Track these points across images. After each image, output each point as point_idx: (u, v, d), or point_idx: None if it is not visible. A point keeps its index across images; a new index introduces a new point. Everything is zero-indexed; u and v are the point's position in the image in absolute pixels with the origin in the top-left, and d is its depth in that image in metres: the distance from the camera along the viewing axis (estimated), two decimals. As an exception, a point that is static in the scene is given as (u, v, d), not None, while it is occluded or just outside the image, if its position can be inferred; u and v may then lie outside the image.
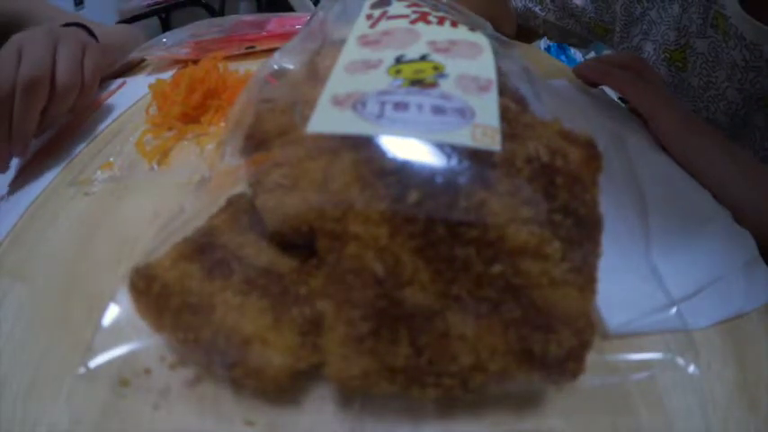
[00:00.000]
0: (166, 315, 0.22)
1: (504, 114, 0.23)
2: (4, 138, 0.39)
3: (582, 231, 0.22)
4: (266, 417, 0.22)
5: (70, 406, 0.23)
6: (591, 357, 0.21)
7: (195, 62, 0.47)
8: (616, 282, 0.23)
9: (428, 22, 0.29)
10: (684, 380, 0.25)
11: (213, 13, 1.77)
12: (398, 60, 0.26)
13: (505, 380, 0.21)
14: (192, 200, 0.28)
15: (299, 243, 0.23)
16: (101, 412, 0.23)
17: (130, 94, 0.49)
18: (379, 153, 0.21)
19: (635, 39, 0.56)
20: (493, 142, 0.21)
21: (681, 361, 0.25)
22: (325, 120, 0.23)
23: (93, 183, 0.37)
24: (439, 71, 0.25)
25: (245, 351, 0.21)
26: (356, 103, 0.23)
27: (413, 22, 0.29)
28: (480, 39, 0.28)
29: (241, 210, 0.26)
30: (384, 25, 0.30)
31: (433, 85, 0.24)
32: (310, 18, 0.36)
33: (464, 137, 0.21)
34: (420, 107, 0.22)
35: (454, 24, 0.30)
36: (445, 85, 0.24)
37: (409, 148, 0.21)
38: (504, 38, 0.32)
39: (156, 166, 0.39)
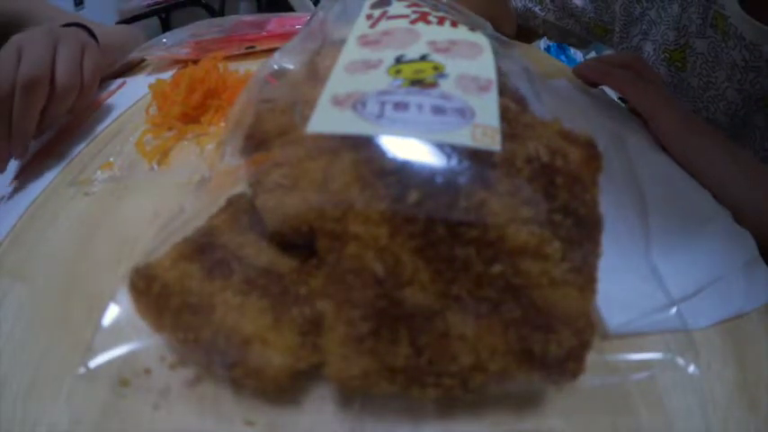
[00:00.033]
0: (166, 315, 0.22)
1: (504, 114, 0.23)
2: (3, 137, 0.39)
3: (582, 231, 0.22)
4: (266, 417, 0.22)
5: (70, 406, 0.23)
6: (591, 357, 0.21)
7: (195, 62, 0.47)
8: (616, 282, 0.23)
9: (428, 22, 0.29)
10: (684, 380, 0.25)
11: (213, 13, 1.77)
12: (398, 60, 0.26)
13: (505, 380, 0.21)
14: (192, 200, 0.28)
15: (299, 243, 0.23)
16: (101, 412, 0.23)
17: (130, 94, 0.49)
18: (379, 153, 0.21)
19: (634, 39, 0.56)
20: (493, 142, 0.21)
21: (681, 361, 0.25)
22: (325, 120, 0.23)
23: (93, 183, 0.37)
24: (439, 71, 0.25)
25: (245, 351, 0.21)
26: (356, 103, 0.23)
27: (413, 22, 0.29)
28: (480, 39, 0.28)
29: (241, 210, 0.26)
30: (384, 25, 0.30)
31: (433, 85, 0.24)
32: (310, 18, 0.36)
33: (464, 137, 0.21)
34: (420, 107, 0.22)
35: (454, 24, 0.30)
36: (445, 85, 0.24)
37: (409, 148, 0.21)
38: (504, 38, 0.32)
39: (156, 166, 0.39)
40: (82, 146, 0.42)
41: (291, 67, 0.32)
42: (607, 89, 0.48)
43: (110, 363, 0.23)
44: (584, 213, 0.22)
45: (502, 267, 0.20)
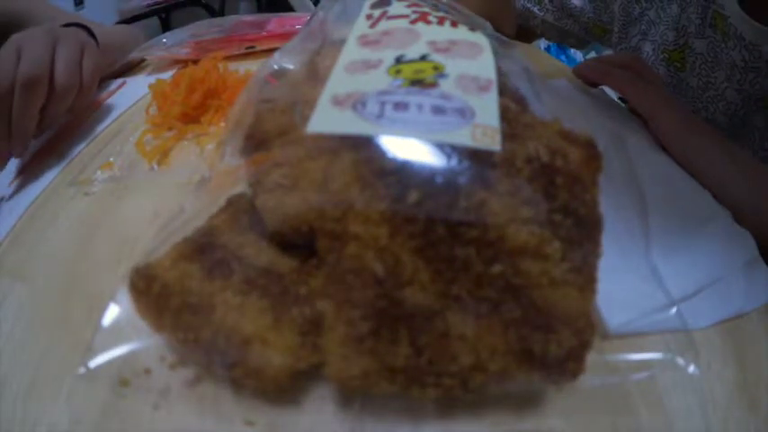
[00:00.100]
0: (166, 315, 0.22)
1: (504, 114, 0.23)
2: (3, 136, 0.39)
3: (582, 231, 0.22)
4: (266, 417, 0.22)
5: (70, 406, 0.23)
6: (591, 357, 0.21)
7: (195, 62, 0.47)
8: (616, 282, 0.23)
9: (428, 22, 0.29)
10: (684, 380, 0.25)
11: (213, 13, 1.77)
12: (398, 60, 0.26)
13: (505, 380, 0.21)
14: (192, 200, 0.28)
15: (299, 243, 0.23)
16: (101, 412, 0.23)
17: (130, 94, 0.49)
18: (379, 153, 0.21)
19: (633, 39, 0.56)
20: (493, 142, 0.21)
21: (681, 361, 0.25)
22: (325, 120, 0.23)
23: (93, 183, 0.37)
24: (439, 71, 0.25)
25: (245, 351, 0.21)
26: (356, 103, 0.23)
27: (413, 22, 0.29)
28: (480, 39, 0.28)
29: (241, 210, 0.26)
30: (384, 25, 0.30)
31: (433, 85, 0.24)
32: (310, 18, 0.36)
33: (464, 137, 0.21)
34: (420, 107, 0.22)
35: (454, 24, 0.30)
36: (445, 85, 0.24)
37: (409, 148, 0.21)
38: (504, 38, 0.32)
39: (156, 166, 0.39)
40: (82, 146, 0.42)
41: (291, 67, 0.32)
42: (607, 89, 0.48)
43: (110, 363, 0.23)
44: (584, 213, 0.22)
45: (502, 267, 0.20)
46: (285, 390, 0.22)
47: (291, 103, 0.27)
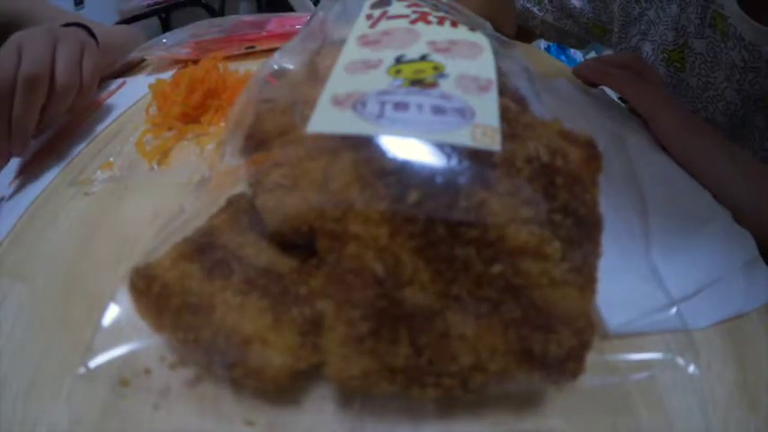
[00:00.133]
0: (166, 315, 0.22)
1: (504, 114, 0.23)
2: (3, 136, 0.39)
3: (582, 231, 0.22)
4: (266, 417, 0.22)
5: (70, 406, 0.23)
6: (591, 357, 0.21)
7: (195, 62, 0.47)
8: (616, 282, 0.23)
9: (428, 22, 0.29)
10: (684, 380, 0.25)
11: (213, 13, 1.77)
12: (398, 60, 0.26)
13: (505, 380, 0.21)
14: (192, 200, 0.28)
15: (299, 243, 0.23)
16: (101, 412, 0.23)
17: (130, 94, 0.49)
18: (379, 153, 0.21)
19: (633, 39, 0.56)
20: (493, 142, 0.21)
21: (681, 361, 0.25)
22: (325, 120, 0.23)
23: (93, 183, 0.37)
24: (439, 71, 0.25)
25: (245, 351, 0.21)
26: (356, 103, 0.23)
27: (413, 22, 0.29)
28: (480, 39, 0.28)
29: (241, 210, 0.26)
30: (384, 25, 0.30)
31: (433, 85, 0.24)
32: (310, 18, 0.36)
33: (464, 137, 0.21)
34: (420, 107, 0.22)
35: (454, 24, 0.30)
36: (445, 85, 0.24)
37: (409, 148, 0.21)
38: (505, 38, 0.32)
39: (156, 166, 0.39)
40: (82, 146, 0.42)
41: (291, 67, 0.32)
42: (607, 89, 0.48)
43: (110, 363, 0.23)
44: (584, 213, 0.22)
45: (502, 267, 0.20)
46: (285, 390, 0.22)
47: (291, 103, 0.27)
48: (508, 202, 0.20)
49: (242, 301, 0.22)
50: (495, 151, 0.21)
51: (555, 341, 0.20)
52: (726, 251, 0.31)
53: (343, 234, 0.20)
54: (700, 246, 0.31)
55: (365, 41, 0.28)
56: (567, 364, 0.21)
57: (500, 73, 0.26)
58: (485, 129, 0.22)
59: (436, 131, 0.21)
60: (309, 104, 0.23)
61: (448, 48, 0.27)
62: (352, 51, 0.27)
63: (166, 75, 0.48)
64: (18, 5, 0.55)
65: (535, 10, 0.62)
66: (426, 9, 0.31)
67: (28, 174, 0.41)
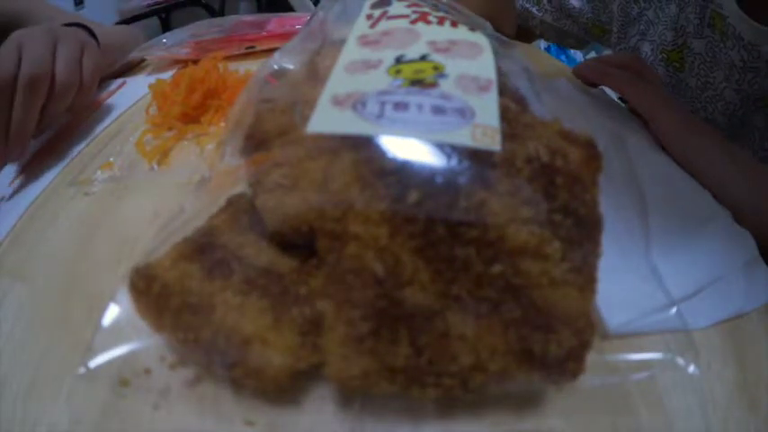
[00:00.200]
0: (166, 315, 0.22)
1: (504, 114, 0.23)
2: (2, 137, 0.39)
3: (582, 231, 0.22)
4: (266, 417, 0.22)
5: (70, 406, 0.23)
6: (591, 357, 0.21)
7: (195, 62, 0.47)
8: (616, 282, 0.23)
9: (428, 22, 0.29)
10: (684, 380, 0.25)
11: (213, 13, 1.77)
12: (398, 60, 0.26)
13: (505, 380, 0.21)
14: (192, 200, 0.28)
15: (299, 243, 0.23)
16: (101, 412, 0.23)
17: (130, 94, 0.49)
18: (379, 153, 0.21)
19: (632, 39, 0.56)
20: (493, 142, 0.21)
21: (681, 361, 0.25)
22: (326, 120, 0.23)
23: (93, 183, 0.37)
24: (439, 71, 0.25)
25: (245, 351, 0.21)
26: (356, 103, 0.23)
27: (413, 22, 0.29)
28: (480, 39, 0.28)
29: (241, 210, 0.26)
30: (384, 25, 0.30)
31: (433, 85, 0.24)
32: (310, 18, 0.36)
33: (464, 137, 0.21)
34: (420, 107, 0.22)
35: (454, 24, 0.30)
36: (445, 85, 0.24)
37: (409, 148, 0.21)
38: (504, 38, 0.32)
39: (156, 166, 0.39)
40: (82, 146, 0.42)
41: (291, 67, 0.32)
42: (607, 89, 0.48)
43: (110, 363, 0.23)
44: (584, 213, 0.22)
45: (502, 267, 0.20)
46: (285, 390, 0.22)
47: (291, 103, 0.27)
48: (508, 202, 0.20)
49: (242, 301, 0.22)
50: (495, 151, 0.21)
51: (555, 341, 0.20)
52: (726, 251, 0.31)
53: (343, 234, 0.20)
54: (700, 246, 0.31)
55: (365, 41, 0.28)
56: (567, 364, 0.21)
57: (500, 73, 0.26)
58: (485, 129, 0.22)
59: (436, 131, 0.21)
60: (309, 104, 0.23)
61: (448, 48, 0.27)
62: (352, 51, 0.27)
63: (166, 75, 0.48)
64: (18, 5, 0.55)
65: (534, 10, 0.62)
66: (426, 9, 0.31)
67: (28, 174, 0.41)
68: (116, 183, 0.37)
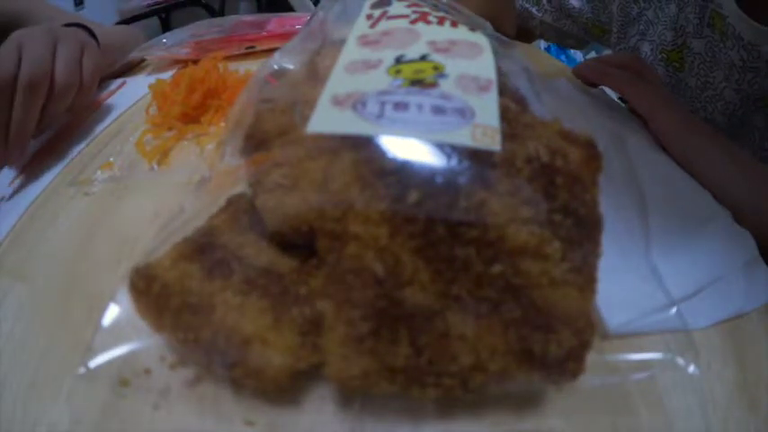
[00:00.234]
0: (166, 315, 0.22)
1: (504, 114, 0.23)
2: (1, 138, 0.39)
3: (582, 231, 0.22)
4: (266, 417, 0.22)
5: (70, 406, 0.23)
6: (591, 357, 0.21)
7: (195, 62, 0.47)
8: (616, 282, 0.23)
9: (428, 22, 0.29)
10: (684, 380, 0.25)
11: (213, 13, 1.77)
12: (398, 60, 0.26)
13: (505, 380, 0.21)
14: (192, 200, 0.28)
15: (299, 243, 0.23)
16: (101, 412, 0.23)
17: (130, 94, 0.49)
18: (379, 153, 0.21)
19: (632, 39, 0.56)
20: (493, 142, 0.21)
21: (681, 361, 0.25)
22: (326, 120, 0.23)
23: (93, 183, 0.37)
24: (439, 71, 0.25)
25: (245, 351, 0.21)
26: (356, 103, 0.23)
27: (413, 22, 0.29)
28: (480, 39, 0.28)
29: (241, 210, 0.26)
30: (384, 25, 0.30)
31: (433, 85, 0.24)
32: (310, 18, 0.36)
33: (464, 137, 0.21)
34: (420, 107, 0.22)
35: (454, 24, 0.30)
36: (445, 85, 0.24)
37: (409, 148, 0.21)
38: (504, 38, 0.32)
39: (156, 166, 0.39)
40: (82, 146, 0.42)
41: (291, 67, 0.32)
42: (607, 89, 0.48)
43: (110, 363, 0.23)
44: (584, 213, 0.22)
45: (502, 267, 0.20)
46: (285, 390, 0.22)
47: (291, 103, 0.27)
48: (508, 202, 0.20)
49: (242, 301, 0.22)
50: (495, 151, 0.21)
51: (555, 341, 0.20)
52: (726, 251, 0.31)
53: (343, 234, 0.20)
54: (700, 246, 0.31)
55: (365, 41, 0.28)
56: (567, 364, 0.21)
57: (500, 73, 0.26)
58: (485, 129, 0.22)
59: (436, 131, 0.21)
60: (309, 104, 0.23)
61: (448, 48, 0.27)
62: (352, 51, 0.27)
63: (166, 75, 0.48)
64: (18, 5, 0.55)
65: (534, 10, 0.62)
66: (426, 9, 0.31)
67: (28, 174, 0.41)
68: (116, 183, 0.37)
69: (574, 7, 0.59)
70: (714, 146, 0.37)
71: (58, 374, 0.24)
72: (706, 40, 0.49)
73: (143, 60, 0.60)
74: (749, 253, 0.31)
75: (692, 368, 0.25)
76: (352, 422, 0.22)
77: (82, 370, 0.23)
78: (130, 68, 0.58)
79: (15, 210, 0.36)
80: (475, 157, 0.21)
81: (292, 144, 0.24)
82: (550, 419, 0.23)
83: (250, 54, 0.56)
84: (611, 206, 0.23)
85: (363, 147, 0.21)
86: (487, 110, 0.23)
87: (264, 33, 0.57)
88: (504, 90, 0.26)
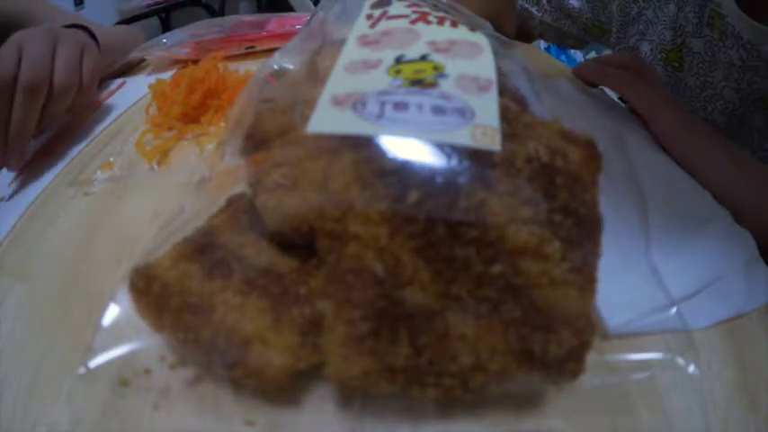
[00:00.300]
0: (166, 315, 0.22)
1: (504, 114, 0.23)
2: (1, 138, 0.39)
3: (582, 231, 0.22)
4: (266, 417, 0.22)
5: (70, 406, 0.23)
6: (591, 357, 0.21)
7: (195, 62, 0.47)
8: (616, 282, 0.23)
9: (428, 22, 0.29)
10: (684, 380, 0.25)
11: (213, 13, 1.77)
12: (398, 60, 0.26)
13: (505, 380, 0.21)
14: (192, 200, 0.28)
15: (299, 243, 0.23)
16: (101, 412, 0.23)
17: (130, 94, 0.49)
18: (379, 153, 0.21)
19: (631, 39, 0.56)
20: (493, 142, 0.21)
21: (681, 361, 0.25)
22: (326, 120, 0.23)
23: (93, 183, 0.37)
24: (439, 71, 0.25)
25: (245, 351, 0.21)
26: (356, 103, 0.23)
27: (413, 22, 0.29)
28: (480, 39, 0.28)
29: (241, 210, 0.26)
30: (384, 25, 0.30)
31: (433, 85, 0.24)
32: (310, 18, 0.36)
33: (464, 137, 0.21)
34: (420, 107, 0.22)
35: (454, 24, 0.30)
36: (445, 85, 0.24)
37: (409, 148, 0.21)
38: (505, 38, 0.32)
39: (156, 166, 0.39)
40: (82, 146, 0.42)
41: (291, 67, 0.32)
42: (607, 89, 0.48)
43: (110, 363, 0.23)
44: (584, 213, 0.22)
45: (502, 267, 0.20)
46: (285, 390, 0.22)
47: (291, 103, 0.27)
48: (508, 202, 0.20)
49: (242, 301, 0.22)
50: (495, 151, 0.21)
51: (555, 341, 0.20)
52: (726, 251, 0.31)
53: (343, 234, 0.20)
54: (700, 245, 0.31)
55: (365, 41, 0.28)
56: (567, 364, 0.21)
57: (500, 73, 0.26)
58: (485, 129, 0.22)
59: (436, 131, 0.21)
60: (309, 104, 0.23)
61: (448, 48, 0.27)
62: (352, 51, 0.27)
63: (166, 75, 0.48)
64: (18, 5, 0.55)
65: (533, 10, 0.62)
66: (426, 9, 0.31)
67: (28, 174, 0.41)
68: (116, 183, 0.37)
69: (573, 7, 0.59)
70: (714, 146, 0.37)
71: (58, 374, 0.24)
72: (705, 40, 0.49)
73: (143, 60, 0.60)
74: (749, 253, 0.31)
75: (692, 368, 0.25)
76: (352, 422, 0.22)
77: (82, 370, 0.23)
78: (130, 68, 0.58)
79: (15, 210, 0.36)
80: (475, 157, 0.21)
81: (292, 144, 0.24)
82: (550, 419, 0.23)
83: (250, 54, 0.56)
84: (611, 206, 0.23)
85: (363, 147, 0.21)
86: (487, 110, 0.23)
87: (264, 33, 0.57)
88: (504, 90, 0.26)
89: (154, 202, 0.34)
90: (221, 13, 1.79)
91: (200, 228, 0.25)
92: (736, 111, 0.49)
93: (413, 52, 0.26)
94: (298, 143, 0.23)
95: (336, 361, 0.21)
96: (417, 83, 0.24)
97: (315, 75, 0.28)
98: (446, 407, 0.23)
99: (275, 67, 0.32)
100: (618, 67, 0.45)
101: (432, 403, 0.23)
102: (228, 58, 0.52)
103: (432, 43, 0.27)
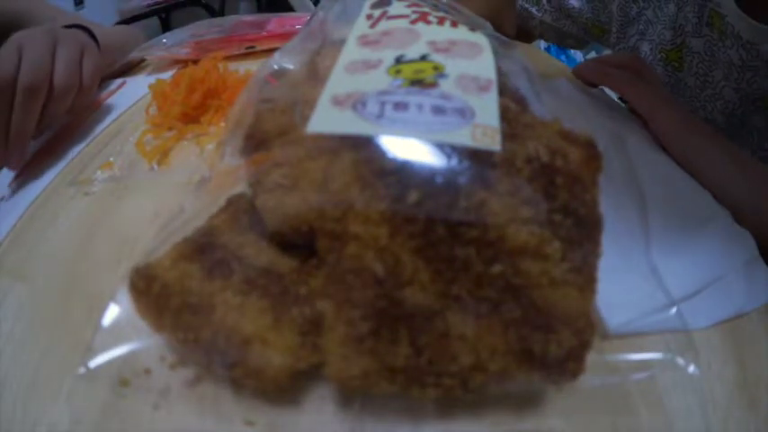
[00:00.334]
0: (166, 315, 0.22)
1: (504, 114, 0.23)
2: (1, 139, 0.39)
3: (582, 231, 0.22)
4: (266, 417, 0.22)
5: (70, 406, 0.23)
6: (591, 357, 0.21)
7: (195, 62, 0.47)
8: (616, 282, 0.23)
9: (428, 22, 0.29)
10: (684, 380, 0.25)
11: (213, 13, 1.77)
12: (398, 60, 0.26)
13: (505, 380, 0.21)
14: (192, 200, 0.28)
15: (299, 243, 0.23)
16: (101, 412, 0.23)
17: (130, 94, 0.49)
18: (379, 153, 0.21)
19: (631, 39, 0.56)
20: (493, 142, 0.21)
21: (681, 361, 0.25)
22: (326, 120, 0.23)
23: (93, 183, 0.37)
24: (439, 71, 0.25)
25: (245, 351, 0.21)
26: (356, 103, 0.23)
27: (413, 22, 0.29)
28: (480, 39, 0.28)
29: (241, 210, 0.26)
30: (384, 25, 0.30)
31: (433, 85, 0.24)
32: (310, 18, 0.36)
33: (464, 137, 0.21)
34: (420, 107, 0.22)
35: (454, 24, 0.30)
36: (445, 85, 0.24)
37: (409, 148, 0.21)
38: (505, 38, 0.32)
39: (156, 166, 0.39)
40: (82, 146, 0.42)
41: (291, 67, 0.32)
42: (607, 89, 0.48)
43: (110, 363, 0.23)
44: (584, 213, 0.22)
45: (502, 267, 0.20)
46: (285, 390, 0.22)
47: (291, 103, 0.27)
48: (508, 202, 0.20)
49: (242, 301, 0.22)
50: (495, 151, 0.21)
51: (555, 341, 0.20)
52: (726, 251, 0.31)
53: (343, 234, 0.20)
54: (700, 245, 0.31)
55: (365, 41, 0.28)
56: (567, 364, 0.21)
57: (500, 73, 0.26)
58: (485, 129, 0.22)
59: (436, 131, 0.21)
60: (309, 104, 0.23)
61: (448, 48, 0.27)
62: (352, 51, 0.27)
63: (166, 75, 0.48)
64: (18, 5, 0.55)
65: (533, 10, 0.62)
66: (426, 9, 0.31)
67: (28, 174, 0.41)
68: (116, 183, 0.37)
69: (573, 7, 0.59)
70: (714, 146, 0.37)
71: (58, 374, 0.24)
72: (705, 40, 0.49)
73: (143, 60, 0.60)
74: (749, 253, 0.31)
75: (692, 368, 0.25)
76: (352, 422, 0.22)
77: (82, 370, 0.23)
78: (130, 68, 0.58)
79: (15, 210, 0.36)
80: (475, 157, 0.21)
81: (292, 144, 0.24)
82: (550, 419, 0.23)
83: (250, 54, 0.56)
84: (611, 206, 0.23)
85: (363, 147, 0.21)
86: (487, 110, 0.23)
87: (264, 33, 0.57)
88: (504, 90, 0.26)
89: (154, 202, 0.34)
90: (221, 13, 1.79)
91: (200, 228, 0.25)
92: (736, 111, 0.49)
93: (413, 52, 0.26)
94: (298, 143, 0.23)
95: (336, 361, 0.21)
96: (417, 83, 0.24)
97: (315, 75, 0.28)
98: (446, 407, 0.23)
99: (275, 67, 0.32)
100: (618, 67, 0.45)
101: (432, 403, 0.23)
102: (228, 58, 0.52)
103: (432, 43, 0.27)
